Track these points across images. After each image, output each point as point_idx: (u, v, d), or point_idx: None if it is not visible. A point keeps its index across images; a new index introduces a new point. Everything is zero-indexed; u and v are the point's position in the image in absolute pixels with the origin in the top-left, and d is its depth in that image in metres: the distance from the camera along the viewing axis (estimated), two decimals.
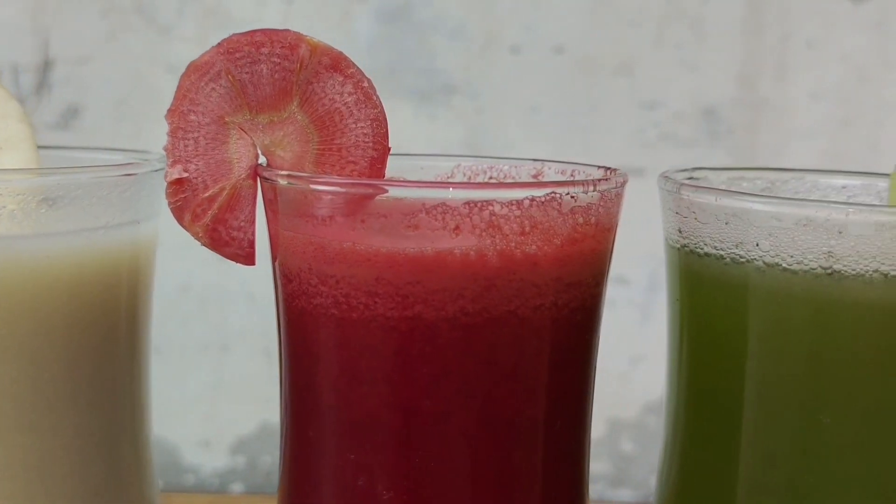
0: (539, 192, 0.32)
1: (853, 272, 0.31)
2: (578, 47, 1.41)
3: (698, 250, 0.34)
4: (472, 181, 0.35)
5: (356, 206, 0.32)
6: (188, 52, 1.51)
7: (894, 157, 1.44)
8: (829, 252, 0.31)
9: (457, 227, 0.31)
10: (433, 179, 0.39)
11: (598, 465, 1.38)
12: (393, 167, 0.46)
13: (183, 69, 0.40)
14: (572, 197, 0.32)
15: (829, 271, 0.31)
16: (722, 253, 0.33)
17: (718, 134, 1.49)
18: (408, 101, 1.43)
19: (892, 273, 0.30)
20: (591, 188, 0.33)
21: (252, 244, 0.37)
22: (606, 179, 0.34)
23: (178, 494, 0.95)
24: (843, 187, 0.41)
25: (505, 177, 0.41)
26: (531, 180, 0.40)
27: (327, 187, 0.33)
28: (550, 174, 0.41)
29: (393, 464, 0.34)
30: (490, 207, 0.31)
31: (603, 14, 1.41)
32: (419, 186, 0.33)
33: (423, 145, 1.42)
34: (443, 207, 0.32)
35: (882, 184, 0.41)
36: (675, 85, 1.43)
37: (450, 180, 0.39)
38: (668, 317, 0.38)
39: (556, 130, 1.53)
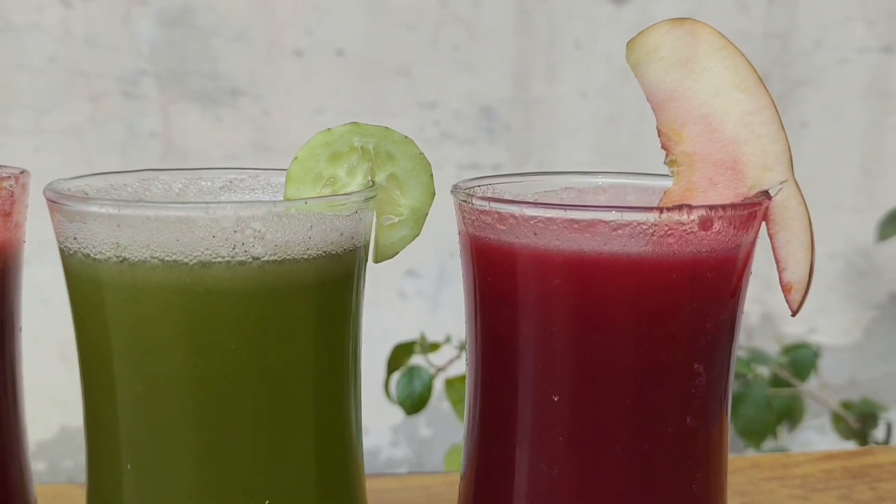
0: None
1: (137, 258, 0.34)
2: (359, 50, 1.45)
3: (57, 244, 0.37)
4: None
5: None
6: None
7: (657, 150, 1.51)
8: (116, 242, 0.34)
9: None
10: None
11: (398, 451, 1.43)
12: None
13: None
14: None
15: (121, 259, 0.34)
16: (61, 245, 0.36)
17: (495, 131, 1.55)
18: (194, 104, 1.45)
19: (168, 258, 0.34)
20: None
21: None
22: None
23: None
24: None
25: None
26: None
27: None
28: None
29: None
30: None
31: (381, 18, 1.46)
32: None
33: (211, 147, 1.44)
34: None
35: (277, 179, 0.44)
36: (452, 85, 1.48)
37: None
38: None
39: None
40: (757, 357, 1.08)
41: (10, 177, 0.38)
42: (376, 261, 0.41)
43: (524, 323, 0.36)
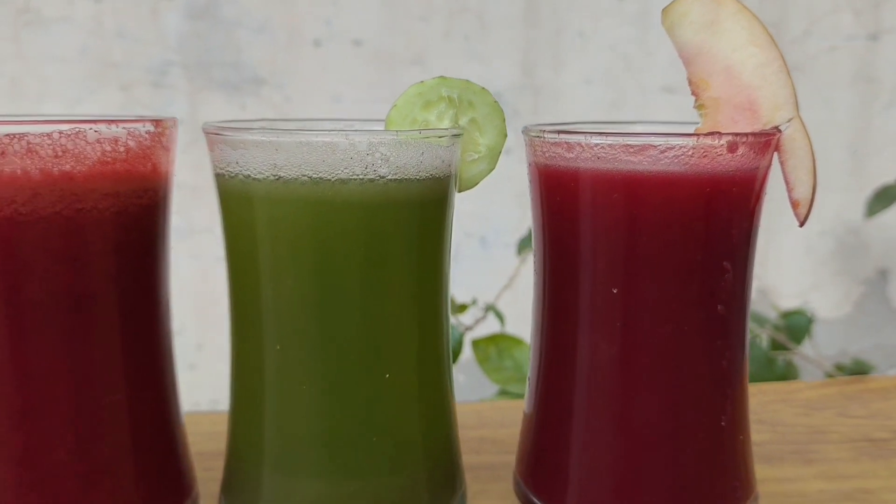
0: (65, 128, 0.43)
1: (291, 176, 0.43)
2: (375, 40, 1.54)
3: (215, 171, 0.46)
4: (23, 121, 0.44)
5: None
6: (2, 49, 1.57)
7: None
8: (273, 164, 0.43)
9: (3, 153, 0.42)
10: None
11: None
12: None
13: None
14: (96, 131, 0.44)
15: (277, 177, 0.43)
16: (221, 171, 0.45)
17: (505, 116, 1.64)
18: (219, 92, 1.53)
19: (315, 175, 0.43)
20: (114, 125, 0.45)
21: None
22: (127, 121, 0.45)
23: None
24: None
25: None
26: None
27: None
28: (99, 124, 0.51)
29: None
30: (26, 138, 0.43)
31: (396, 9, 1.54)
32: None
33: None
34: None
35: (370, 128, 0.54)
36: (464, 73, 1.57)
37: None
38: None
39: (357, 117, 1.65)
40: (756, 319, 1.17)
41: (170, 119, 0.47)
42: (460, 190, 0.50)
43: (587, 232, 0.45)
